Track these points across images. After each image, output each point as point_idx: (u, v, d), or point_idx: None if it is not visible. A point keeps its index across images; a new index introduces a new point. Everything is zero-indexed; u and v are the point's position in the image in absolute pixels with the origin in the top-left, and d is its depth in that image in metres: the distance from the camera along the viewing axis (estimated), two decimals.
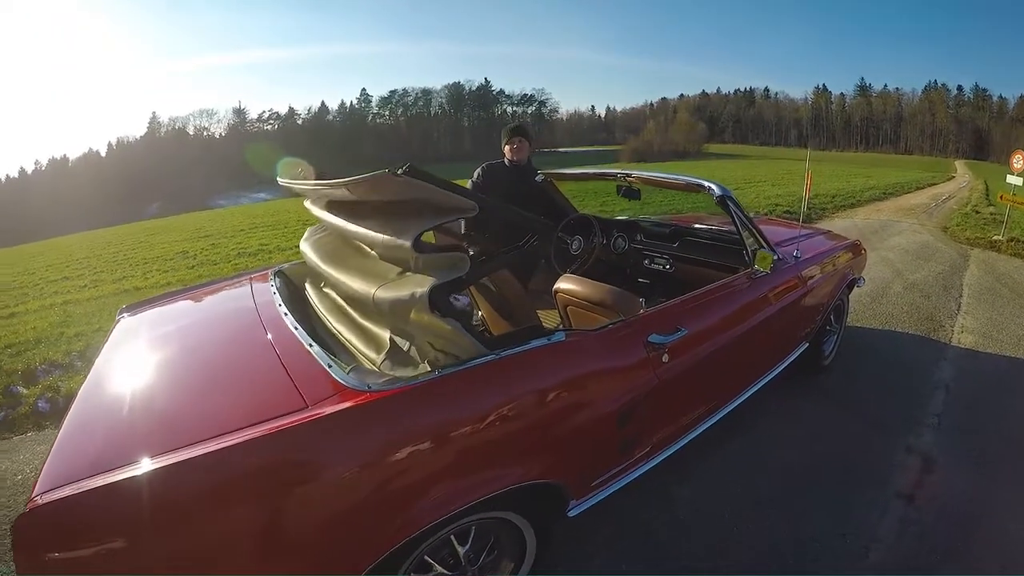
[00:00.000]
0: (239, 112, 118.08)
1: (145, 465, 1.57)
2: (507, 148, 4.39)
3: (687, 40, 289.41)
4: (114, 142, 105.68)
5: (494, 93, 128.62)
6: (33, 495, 1.57)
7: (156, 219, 53.33)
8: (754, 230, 3.32)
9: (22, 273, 17.94)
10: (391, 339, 2.32)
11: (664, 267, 4.16)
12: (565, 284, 3.12)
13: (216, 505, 1.58)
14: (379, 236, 2.24)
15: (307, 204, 3.06)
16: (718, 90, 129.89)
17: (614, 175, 3.86)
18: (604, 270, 4.17)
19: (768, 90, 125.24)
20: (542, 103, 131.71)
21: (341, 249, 2.93)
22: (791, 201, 12.95)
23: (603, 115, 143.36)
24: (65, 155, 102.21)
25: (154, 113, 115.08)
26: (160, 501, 1.53)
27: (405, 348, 2.27)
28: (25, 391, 5.05)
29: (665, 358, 2.57)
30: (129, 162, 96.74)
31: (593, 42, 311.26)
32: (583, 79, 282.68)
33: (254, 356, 2.30)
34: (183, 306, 3.18)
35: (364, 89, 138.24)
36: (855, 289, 4.63)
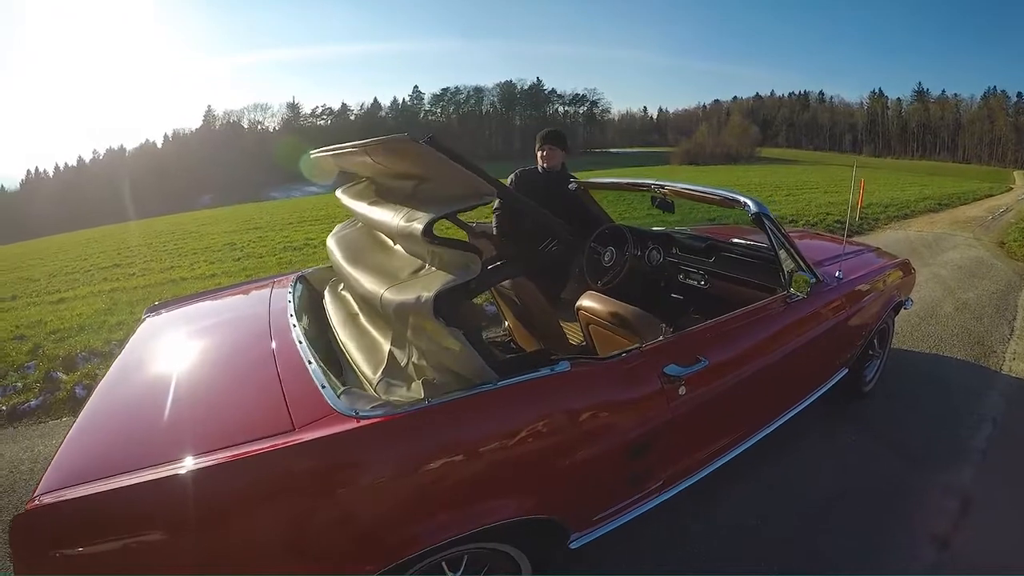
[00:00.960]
0: (292, 107, 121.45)
1: (129, 478, 1.61)
2: (539, 154, 4.35)
3: (742, 41, 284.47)
4: (170, 134, 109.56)
5: (546, 92, 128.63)
6: (34, 495, 1.63)
7: (208, 209, 54.66)
8: (792, 250, 3.12)
9: (76, 259, 18.57)
10: (390, 353, 2.24)
11: (699, 283, 3.95)
12: (587, 302, 3.06)
13: (195, 524, 1.60)
14: (396, 222, 2.18)
15: (338, 194, 3.05)
16: (772, 93, 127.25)
17: (648, 186, 3.69)
18: (637, 282, 4.03)
19: (823, 94, 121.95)
20: (594, 103, 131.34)
21: (364, 244, 2.89)
22: (843, 210, 12.53)
23: (655, 116, 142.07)
24: (122, 145, 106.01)
25: (209, 107, 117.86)
26: (136, 515, 1.58)
27: (403, 363, 2.16)
28: (64, 377, 5.25)
29: (682, 391, 2.42)
30: (184, 154, 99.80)
31: (647, 42, 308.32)
32: (636, 79, 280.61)
33: (255, 370, 2.29)
34: (204, 310, 3.22)
35: (416, 86, 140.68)
36: (902, 311, 4.39)
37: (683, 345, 2.54)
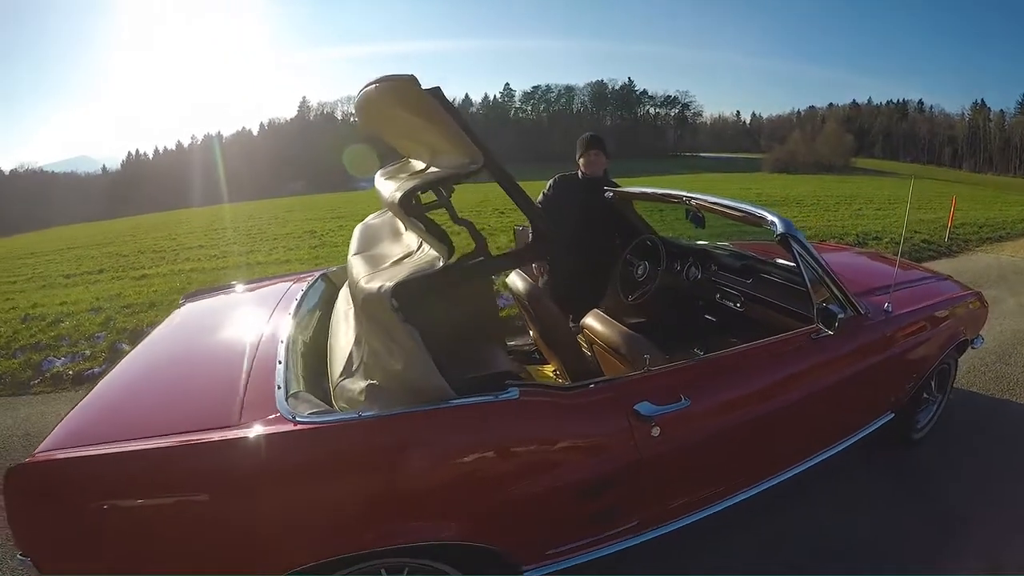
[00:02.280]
0: None
1: (97, 449, 1.79)
2: (582, 160, 4.16)
3: (840, 46, 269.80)
4: (265, 123, 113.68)
5: (637, 93, 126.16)
6: (35, 452, 1.82)
7: (298, 196, 56.45)
8: (827, 278, 2.79)
9: (165, 238, 19.56)
10: (350, 353, 2.21)
11: (735, 305, 3.64)
12: (590, 320, 2.97)
13: (125, 503, 1.75)
14: (390, 193, 2.14)
15: (376, 176, 2.98)
16: (869, 100, 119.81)
17: (679, 198, 3.40)
18: (672, 299, 3.87)
19: (922, 103, 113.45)
20: (685, 106, 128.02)
21: (379, 232, 2.88)
22: (934, 229, 11.79)
23: (748, 121, 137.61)
24: (219, 132, 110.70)
25: (304, 97, 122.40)
26: (93, 483, 1.75)
27: (355, 365, 2.13)
28: (127, 348, 5.51)
29: (655, 432, 2.21)
30: (278, 142, 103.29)
31: (742, 44, 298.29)
32: (729, 82, 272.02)
33: (234, 364, 2.32)
34: (230, 301, 3.35)
35: (508, 83, 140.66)
36: (969, 349, 3.80)
37: (666, 381, 2.33)
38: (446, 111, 1.74)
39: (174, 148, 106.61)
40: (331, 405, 2.07)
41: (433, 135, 2.01)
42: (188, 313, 3.16)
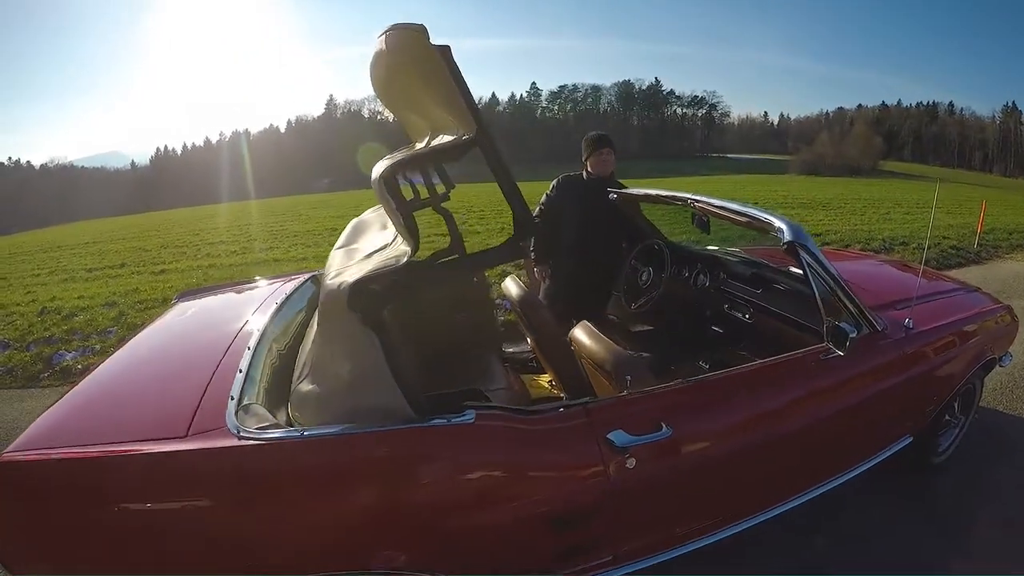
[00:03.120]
0: None
1: (56, 453, 1.76)
2: (591, 160, 3.93)
3: (870, 45, 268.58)
4: (293, 120, 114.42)
5: (664, 93, 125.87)
6: (4, 451, 1.79)
7: (323, 193, 56.83)
8: (839, 290, 2.53)
9: (188, 233, 19.72)
10: (305, 362, 2.10)
11: (744, 316, 3.34)
12: (578, 333, 2.81)
13: (71, 507, 1.71)
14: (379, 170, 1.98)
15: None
16: (899, 102, 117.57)
17: (683, 199, 3.19)
18: (679, 307, 3.65)
19: (952, 105, 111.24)
20: (713, 106, 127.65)
21: (368, 224, 2.78)
22: (964, 234, 11.47)
23: (776, 122, 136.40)
24: (247, 129, 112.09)
25: (331, 95, 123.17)
26: (47, 487, 1.74)
27: (307, 372, 2.03)
28: None
29: (631, 463, 2.00)
30: (305, 139, 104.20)
31: (771, 43, 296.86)
32: (757, 82, 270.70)
33: (201, 371, 2.21)
34: (221, 302, 3.26)
35: (534, 83, 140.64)
36: (997, 368, 3.46)
37: (647, 406, 2.12)
38: (449, 72, 1.62)
39: (202, 145, 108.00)
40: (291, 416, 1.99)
41: (433, 101, 1.86)
42: (176, 313, 3.08)
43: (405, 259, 1.70)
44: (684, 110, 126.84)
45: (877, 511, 3.06)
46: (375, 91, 2.32)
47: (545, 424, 1.98)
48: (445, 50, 1.60)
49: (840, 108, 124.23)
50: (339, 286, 1.75)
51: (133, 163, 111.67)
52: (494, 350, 3.26)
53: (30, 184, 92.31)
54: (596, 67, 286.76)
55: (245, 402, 1.94)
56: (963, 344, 3.05)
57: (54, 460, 1.74)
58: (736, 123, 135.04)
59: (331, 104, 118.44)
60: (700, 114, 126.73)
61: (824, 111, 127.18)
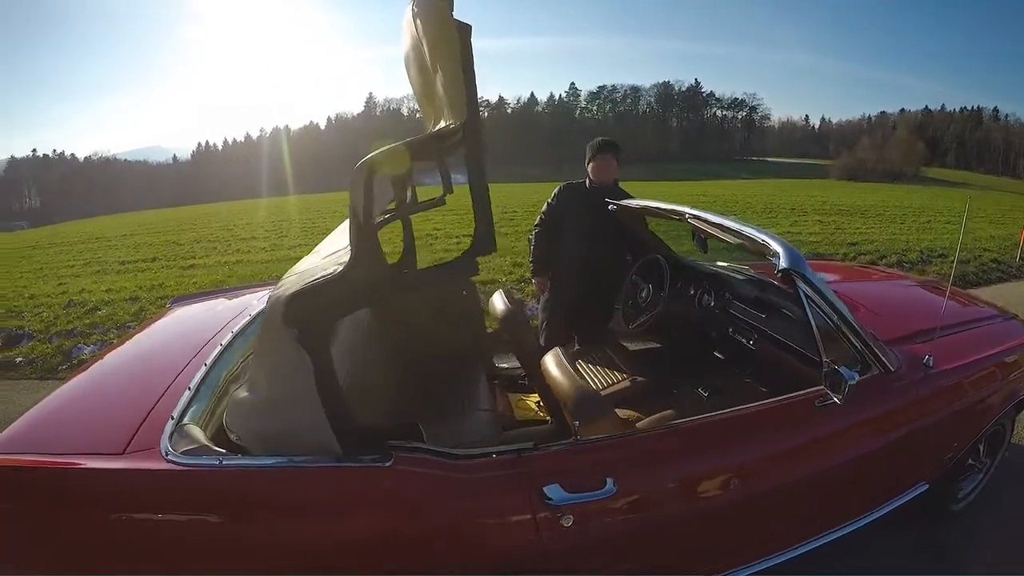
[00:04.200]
0: None
1: (19, 458, 1.77)
2: (592, 165, 3.71)
3: (913, 49, 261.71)
4: (333, 117, 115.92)
5: (704, 95, 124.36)
6: None
7: None
8: (842, 327, 2.21)
9: (222, 228, 19.95)
10: (245, 380, 2.02)
11: (747, 342, 3.08)
12: (547, 360, 2.54)
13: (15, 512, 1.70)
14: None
15: None
16: (942, 107, 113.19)
17: (681, 214, 2.86)
18: (681, 327, 3.47)
19: (998, 111, 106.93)
20: (753, 108, 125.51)
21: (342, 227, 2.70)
22: (1005, 247, 10.97)
23: (817, 125, 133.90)
24: (287, 125, 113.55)
25: (371, 94, 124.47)
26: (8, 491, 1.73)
27: (237, 392, 1.94)
28: None
29: (567, 522, 1.78)
30: (344, 136, 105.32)
31: (813, 45, 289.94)
32: (799, 85, 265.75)
33: (161, 384, 2.15)
34: (209, 309, 3.16)
35: (573, 83, 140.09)
36: None
37: (593, 457, 1.90)
38: (459, 51, 1.54)
39: (243, 140, 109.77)
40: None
41: (440, 82, 1.74)
42: (165, 319, 3.05)
43: (339, 270, 1.59)
44: (724, 112, 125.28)
45: (879, 561, 2.71)
46: (405, 67, 2.24)
47: (472, 472, 1.79)
48: (465, 28, 1.53)
49: (882, 112, 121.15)
50: (279, 297, 1.64)
51: (175, 157, 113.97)
52: (481, 366, 3.10)
53: (75, 176, 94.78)
54: (636, 67, 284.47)
55: (185, 421, 1.88)
56: (993, 383, 2.68)
57: (10, 464, 1.74)
58: (776, 126, 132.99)
59: (370, 102, 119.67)
60: (740, 116, 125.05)
61: (866, 115, 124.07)
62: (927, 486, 2.60)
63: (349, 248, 1.65)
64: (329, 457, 1.67)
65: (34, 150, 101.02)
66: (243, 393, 1.87)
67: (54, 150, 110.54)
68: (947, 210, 22.21)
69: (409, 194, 2.48)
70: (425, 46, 1.77)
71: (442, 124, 1.74)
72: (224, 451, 1.74)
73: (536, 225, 3.87)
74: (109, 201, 72.79)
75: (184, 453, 1.70)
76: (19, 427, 1.99)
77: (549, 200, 3.85)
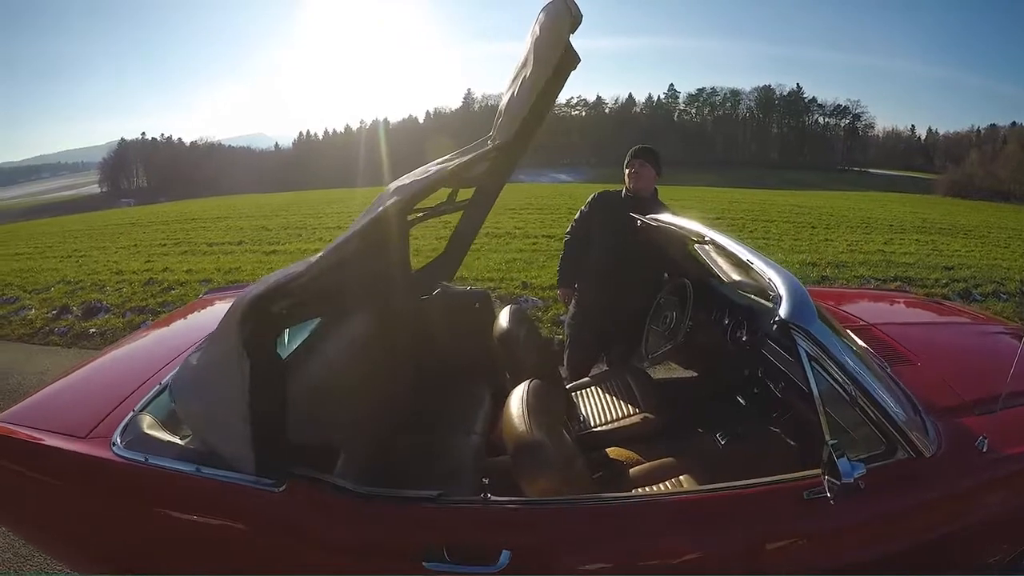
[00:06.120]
0: None
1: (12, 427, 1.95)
2: (626, 173, 3.45)
3: None
4: (431, 111, 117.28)
5: (805, 101, 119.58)
6: None
7: None
8: (860, 397, 1.74)
9: (312, 215, 20.59)
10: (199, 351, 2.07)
11: (775, 388, 2.60)
12: (512, 395, 2.04)
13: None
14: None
15: None
16: None
17: (701, 236, 2.48)
18: (712, 358, 3.11)
19: None
20: (856, 116, 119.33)
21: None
22: None
23: (923, 137, 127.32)
24: (386, 118, 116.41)
25: (469, 89, 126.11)
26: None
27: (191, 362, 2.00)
28: None
29: None
30: (442, 130, 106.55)
31: (919, 51, 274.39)
32: (904, 93, 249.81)
33: (147, 375, 2.24)
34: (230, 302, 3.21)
35: (672, 84, 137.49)
36: None
37: (498, 521, 1.68)
38: (550, 74, 1.53)
39: (342, 131, 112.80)
40: None
41: (511, 94, 1.79)
42: (198, 308, 3.16)
43: (304, 267, 1.61)
44: (826, 119, 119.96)
45: None
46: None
47: (364, 513, 1.69)
48: (571, 56, 1.50)
49: (992, 125, 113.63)
50: (248, 293, 1.63)
51: (277, 144, 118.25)
52: (488, 385, 3.00)
53: (181, 159, 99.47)
54: (735, 70, 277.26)
55: (146, 413, 1.94)
56: None
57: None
58: (880, 135, 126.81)
59: (469, 97, 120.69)
60: (843, 124, 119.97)
61: (975, 127, 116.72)
62: None
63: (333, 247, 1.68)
64: (245, 470, 1.66)
65: (143, 133, 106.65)
66: (193, 362, 1.94)
67: (162, 134, 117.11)
68: None
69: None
70: (527, 51, 1.73)
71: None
72: (159, 447, 1.79)
73: (567, 233, 3.65)
74: (212, 184, 76.33)
75: (126, 446, 1.77)
76: (33, 400, 2.17)
77: (582, 208, 3.61)
